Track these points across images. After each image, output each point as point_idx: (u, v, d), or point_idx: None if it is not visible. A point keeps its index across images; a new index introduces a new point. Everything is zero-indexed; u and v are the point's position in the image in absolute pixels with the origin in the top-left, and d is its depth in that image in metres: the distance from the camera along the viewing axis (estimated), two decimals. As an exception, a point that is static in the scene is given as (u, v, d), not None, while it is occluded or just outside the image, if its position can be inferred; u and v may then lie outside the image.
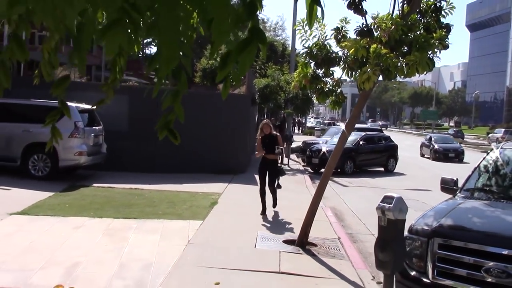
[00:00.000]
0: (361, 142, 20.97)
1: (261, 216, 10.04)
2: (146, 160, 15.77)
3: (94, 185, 12.48)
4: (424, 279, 4.29)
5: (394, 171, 21.46)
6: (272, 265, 6.67)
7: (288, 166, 21.06)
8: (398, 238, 3.44)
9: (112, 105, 15.85)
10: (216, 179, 14.54)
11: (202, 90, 25.82)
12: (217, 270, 6.31)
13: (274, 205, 10.58)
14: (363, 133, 22.41)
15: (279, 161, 21.06)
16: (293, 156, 23.82)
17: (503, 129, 55.53)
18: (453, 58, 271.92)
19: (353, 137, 20.08)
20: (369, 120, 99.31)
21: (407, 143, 43.81)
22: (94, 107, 13.99)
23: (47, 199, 10.30)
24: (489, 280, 3.93)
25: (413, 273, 4.40)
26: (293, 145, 24.47)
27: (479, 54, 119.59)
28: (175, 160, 15.77)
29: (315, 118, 76.19)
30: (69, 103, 12.14)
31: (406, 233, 4.56)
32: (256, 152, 10.63)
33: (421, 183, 17.57)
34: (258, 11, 1.28)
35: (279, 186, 10.49)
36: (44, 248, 6.73)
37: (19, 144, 12.80)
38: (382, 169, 21.42)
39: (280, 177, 10.54)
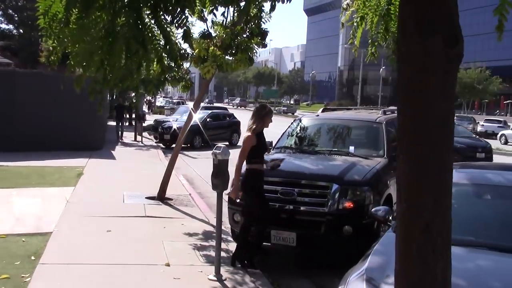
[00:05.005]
0: (208, 119, 23.40)
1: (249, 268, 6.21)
2: (5, 140, 16.41)
3: (-43, 163, 13.13)
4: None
5: (238, 144, 24.29)
6: (140, 212, 8.72)
7: (142, 143, 22.75)
8: (223, 170, 5.69)
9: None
10: (76, 155, 15.78)
11: (51, 71, 26.06)
12: (97, 218, 8.16)
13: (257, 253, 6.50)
14: (210, 111, 24.90)
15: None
16: (145, 134, 25.41)
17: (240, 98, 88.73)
18: (294, 40, 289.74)
19: (201, 115, 22.37)
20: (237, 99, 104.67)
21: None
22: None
23: None
24: (281, 198, 6.46)
25: (238, 200, 6.80)
26: (145, 123, 26.08)
27: (315, 37, 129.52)
28: (35, 138, 16.65)
29: (164, 97, 77.45)
30: None
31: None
32: (238, 164, 6.25)
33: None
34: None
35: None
36: None
37: None
38: (227, 143, 24.11)
39: None
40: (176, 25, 3.02)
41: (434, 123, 2.14)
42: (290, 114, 73.23)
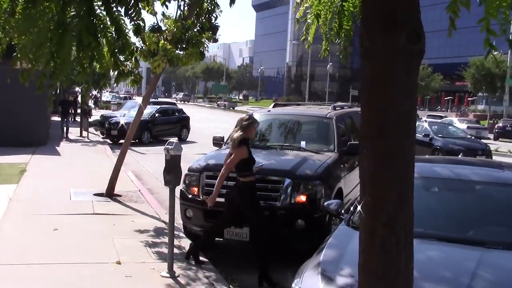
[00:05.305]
0: (156, 115, 23.06)
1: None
2: None
3: None
4: (197, 199, 6.67)
5: (187, 140, 24.05)
6: (88, 209, 8.50)
7: (88, 139, 22.17)
8: (176, 166, 5.62)
9: None
10: (18, 151, 15.15)
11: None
12: (43, 216, 7.89)
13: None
14: (158, 106, 24.56)
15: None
16: (91, 129, 24.74)
17: (183, 93, 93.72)
18: (242, 35, 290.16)
19: (149, 110, 22.02)
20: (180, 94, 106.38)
21: (200, 115, 47.34)
22: None
23: None
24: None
25: (190, 196, 6.76)
26: (91, 119, 25.37)
27: (264, 33, 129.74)
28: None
29: (110, 92, 75.65)
30: None
31: (186, 171, 6.85)
32: (224, 173, 6.08)
33: (208, 148, 20.39)
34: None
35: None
36: None
37: None
38: (176, 138, 23.80)
39: None
40: (130, 17, 2.93)
41: (397, 118, 2.17)
42: (231, 108, 74.02)
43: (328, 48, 5.17)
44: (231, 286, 5.68)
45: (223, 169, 6.06)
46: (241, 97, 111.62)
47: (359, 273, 2.49)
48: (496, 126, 36.46)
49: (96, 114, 30.22)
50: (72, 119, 27.88)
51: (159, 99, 49.31)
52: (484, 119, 43.46)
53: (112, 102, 50.62)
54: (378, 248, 2.29)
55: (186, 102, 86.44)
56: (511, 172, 5.48)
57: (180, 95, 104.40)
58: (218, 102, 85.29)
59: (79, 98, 27.81)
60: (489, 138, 34.33)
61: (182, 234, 7.32)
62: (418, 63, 2.19)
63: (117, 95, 68.25)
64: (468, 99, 64.91)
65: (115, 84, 9.11)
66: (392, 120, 2.18)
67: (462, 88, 61.77)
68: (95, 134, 24.51)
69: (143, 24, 3.59)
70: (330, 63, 67.39)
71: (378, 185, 2.25)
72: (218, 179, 6.09)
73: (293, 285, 4.00)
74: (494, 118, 43.03)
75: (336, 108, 9.07)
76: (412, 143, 2.28)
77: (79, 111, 26.25)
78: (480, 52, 45.59)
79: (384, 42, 2.09)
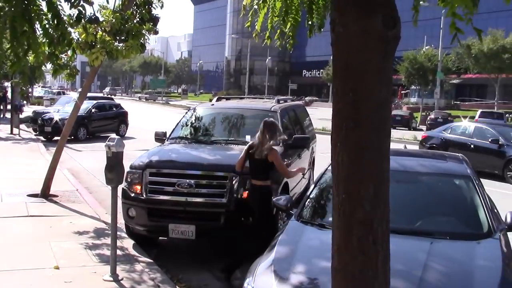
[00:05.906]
0: (93, 110, 22.27)
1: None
2: None
3: None
4: (141, 197, 6.41)
5: (126, 135, 23.36)
6: (22, 211, 8.02)
7: (20, 136, 21.11)
8: (118, 163, 5.34)
9: None
10: None
11: None
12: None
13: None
14: (95, 101, 23.71)
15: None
16: (22, 126, 23.59)
17: (109, 88, 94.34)
18: (181, 29, 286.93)
19: (85, 105, 21.21)
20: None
21: (138, 110, 46.32)
22: None
23: None
24: (178, 190, 6.24)
25: (133, 195, 6.47)
26: (22, 115, 24.18)
27: (202, 27, 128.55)
28: None
29: (42, 87, 72.44)
30: None
31: (128, 168, 6.56)
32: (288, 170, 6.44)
33: (148, 144, 19.90)
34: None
35: None
36: None
37: None
38: (114, 134, 23.11)
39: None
40: (70, 4, 2.67)
41: (373, 107, 2.04)
42: (152, 100, 77.69)
43: (280, 38, 5.04)
44: (177, 286, 5.49)
45: (285, 172, 6.22)
46: (180, 91, 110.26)
47: (333, 275, 2.36)
48: (428, 118, 37.72)
49: (27, 110, 28.87)
50: (1, 116, 26.50)
51: (89, 94, 47.49)
52: (417, 111, 44.98)
53: (44, 98, 48.49)
54: (354, 247, 2.16)
55: (113, 96, 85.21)
56: (455, 163, 5.59)
57: (107, 89, 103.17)
58: (139, 95, 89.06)
59: (9, 94, 26.46)
60: (421, 130, 35.49)
61: (124, 235, 7.02)
62: (393, 49, 2.08)
63: (50, 90, 65.49)
64: (402, 92, 67.03)
65: (54, 78, 8.61)
66: (368, 110, 2.05)
67: (396, 81, 63.71)
68: (27, 131, 23.40)
69: (84, 11, 3.31)
70: (269, 57, 67.80)
71: (353, 180, 2.12)
72: (295, 171, 6.72)
73: (245, 284, 3.87)
74: (426, 110, 44.60)
75: (280, 102, 9.01)
76: (388, 135, 2.17)
77: (9, 107, 24.97)
78: (413, 46, 46.61)
79: (360, 27, 1.96)
